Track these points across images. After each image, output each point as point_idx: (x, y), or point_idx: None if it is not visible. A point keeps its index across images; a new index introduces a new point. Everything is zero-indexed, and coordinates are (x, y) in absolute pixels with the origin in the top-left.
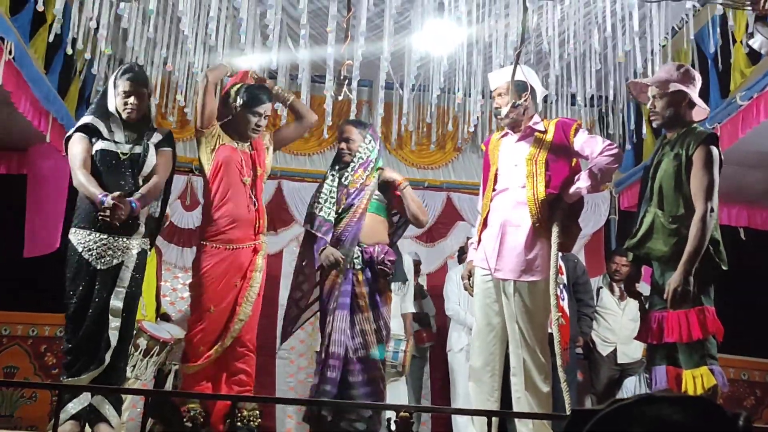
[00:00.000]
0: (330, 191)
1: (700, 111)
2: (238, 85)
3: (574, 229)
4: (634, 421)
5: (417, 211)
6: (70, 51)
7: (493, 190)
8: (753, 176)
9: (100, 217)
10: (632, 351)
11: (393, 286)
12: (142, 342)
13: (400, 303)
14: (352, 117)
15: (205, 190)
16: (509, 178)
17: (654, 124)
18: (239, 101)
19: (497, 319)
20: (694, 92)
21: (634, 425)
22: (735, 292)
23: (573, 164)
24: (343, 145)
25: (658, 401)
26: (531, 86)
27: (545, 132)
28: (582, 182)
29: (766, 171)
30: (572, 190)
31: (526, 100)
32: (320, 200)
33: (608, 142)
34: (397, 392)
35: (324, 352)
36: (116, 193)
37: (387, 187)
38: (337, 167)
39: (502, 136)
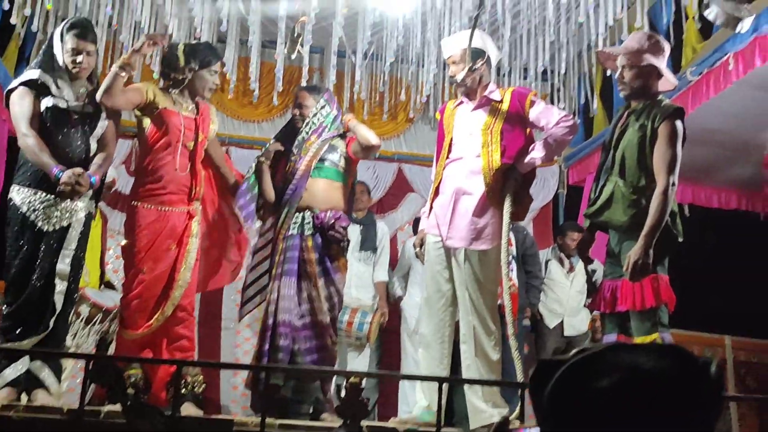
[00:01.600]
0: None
1: (667, 82)
2: (182, 46)
3: (526, 199)
4: (606, 369)
5: (367, 134)
6: (7, 6)
7: (447, 158)
8: (698, 153)
9: (58, 191)
10: (578, 323)
11: (362, 254)
12: (84, 309)
13: (372, 272)
14: (303, 83)
15: (141, 151)
16: (464, 147)
17: (621, 94)
18: (194, 63)
19: (447, 285)
20: (663, 63)
21: (606, 373)
22: (679, 267)
23: (527, 134)
24: (296, 111)
25: (631, 348)
26: (486, 52)
27: (501, 101)
28: (537, 152)
29: (710, 148)
30: (527, 159)
31: (482, 66)
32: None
33: (564, 113)
34: (356, 363)
35: (272, 319)
36: (77, 170)
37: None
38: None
39: (457, 105)
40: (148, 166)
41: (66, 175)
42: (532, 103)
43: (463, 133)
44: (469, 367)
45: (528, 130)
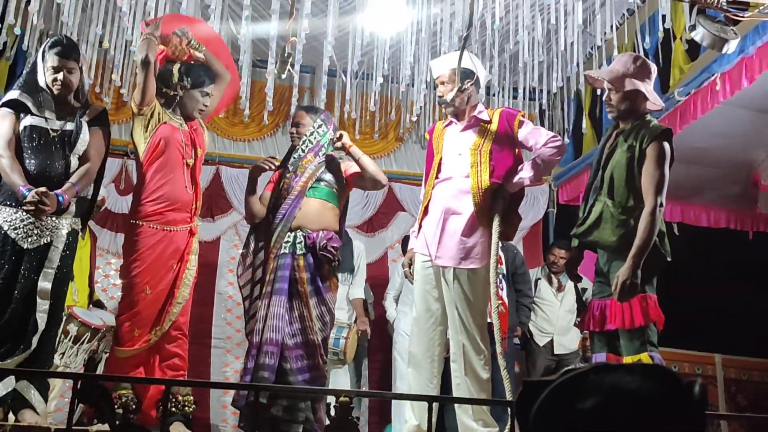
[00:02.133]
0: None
1: (654, 103)
2: (178, 64)
3: (515, 218)
4: (591, 389)
5: (375, 171)
6: None
7: (436, 178)
8: (687, 172)
9: (24, 209)
10: (568, 342)
11: (339, 276)
12: (73, 328)
13: (347, 290)
14: (293, 102)
15: (140, 170)
16: (453, 167)
17: (609, 116)
18: (186, 81)
19: (437, 305)
20: (649, 86)
21: (591, 394)
22: (669, 286)
23: (516, 154)
24: (293, 129)
25: (615, 369)
26: (475, 73)
27: (490, 122)
28: (525, 172)
29: (698, 167)
30: (515, 179)
31: (470, 86)
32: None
33: (552, 133)
34: (339, 379)
35: (259, 337)
36: (41, 189)
37: (337, 166)
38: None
39: (447, 125)
40: (151, 184)
41: (30, 194)
42: (521, 123)
43: (452, 154)
44: (459, 386)
45: (516, 150)
